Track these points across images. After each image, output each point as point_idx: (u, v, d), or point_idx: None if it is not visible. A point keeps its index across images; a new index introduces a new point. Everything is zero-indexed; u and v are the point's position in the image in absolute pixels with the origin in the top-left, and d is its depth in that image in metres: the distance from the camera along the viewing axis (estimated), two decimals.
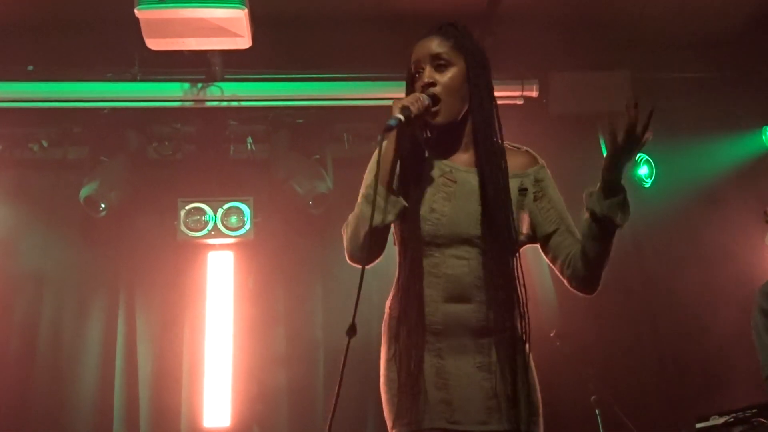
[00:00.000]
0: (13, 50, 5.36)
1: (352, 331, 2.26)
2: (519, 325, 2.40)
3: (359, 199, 2.39)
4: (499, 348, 2.38)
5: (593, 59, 5.65)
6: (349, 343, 2.25)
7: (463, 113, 2.48)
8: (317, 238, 5.97)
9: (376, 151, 2.34)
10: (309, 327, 5.95)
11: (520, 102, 5.48)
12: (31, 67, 5.42)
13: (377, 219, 2.29)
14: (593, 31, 5.53)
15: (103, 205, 5.81)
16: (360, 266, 2.33)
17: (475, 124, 2.47)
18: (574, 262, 2.40)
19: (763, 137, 6.00)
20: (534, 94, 5.52)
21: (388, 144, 2.35)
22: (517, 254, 2.43)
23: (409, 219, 2.40)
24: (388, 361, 2.46)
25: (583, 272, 2.38)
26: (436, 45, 2.46)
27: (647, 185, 6.16)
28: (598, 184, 2.29)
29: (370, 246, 2.32)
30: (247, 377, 5.71)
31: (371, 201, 2.29)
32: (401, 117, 2.25)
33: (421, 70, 2.45)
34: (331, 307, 5.97)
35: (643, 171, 6.15)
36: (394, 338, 2.44)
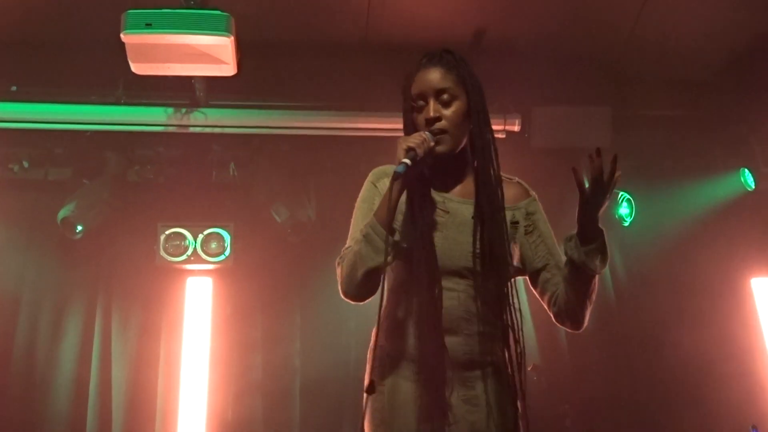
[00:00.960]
0: None
1: (371, 389, 2.29)
2: (511, 354, 2.40)
3: (358, 236, 2.36)
4: (486, 381, 2.40)
5: (575, 94, 5.69)
6: (366, 400, 2.29)
7: (462, 145, 2.49)
8: (297, 266, 5.96)
9: (366, 187, 2.44)
10: (286, 355, 5.93)
11: (502, 135, 5.52)
12: (14, 88, 5.40)
13: (377, 261, 2.29)
14: (575, 66, 5.57)
15: (79, 227, 5.78)
16: (353, 302, 2.40)
17: (476, 155, 2.49)
18: (560, 301, 2.43)
19: (742, 179, 6.05)
20: (516, 128, 5.56)
21: (396, 185, 2.29)
22: (511, 282, 2.44)
23: (405, 252, 2.39)
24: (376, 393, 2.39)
25: (566, 311, 2.42)
26: (440, 79, 2.47)
27: (626, 224, 6.22)
28: (576, 230, 2.30)
29: (367, 285, 2.35)
30: (222, 404, 5.67)
31: (372, 242, 2.30)
32: (408, 162, 2.24)
33: (423, 103, 2.45)
34: (309, 336, 5.97)
35: (623, 210, 6.20)
36: (388, 372, 2.42)
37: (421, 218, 2.38)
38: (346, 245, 2.47)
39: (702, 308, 5.79)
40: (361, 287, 2.36)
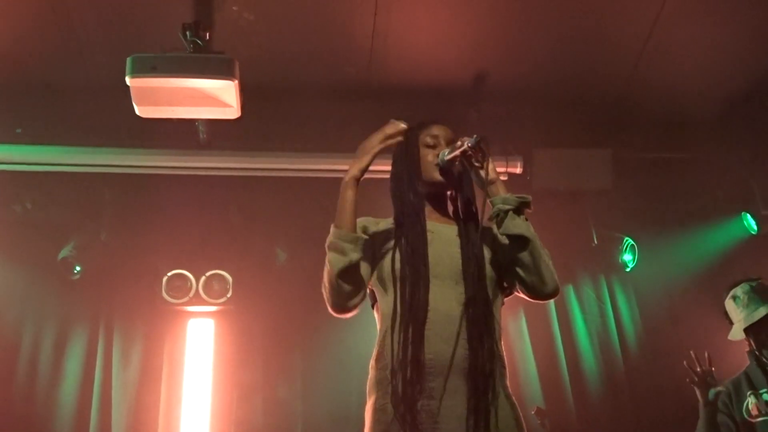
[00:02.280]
0: (0, 113, 5.40)
1: None
2: (493, 365, 2.56)
3: (326, 251, 2.59)
4: (479, 390, 2.50)
5: (576, 137, 5.73)
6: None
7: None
8: (298, 308, 5.94)
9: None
10: (288, 397, 5.90)
11: (504, 177, 5.55)
12: (18, 130, 5.44)
13: (346, 259, 2.53)
14: (576, 109, 5.61)
15: (77, 268, 5.81)
16: (342, 315, 2.62)
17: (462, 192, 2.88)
18: (525, 276, 2.69)
19: (745, 223, 6.07)
20: (518, 170, 5.58)
21: (347, 189, 2.65)
22: (498, 298, 2.74)
23: (400, 261, 2.65)
24: (377, 411, 2.52)
25: (533, 279, 2.68)
26: (451, 132, 2.91)
27: (629, 269, 6.25)
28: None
29: (345, 289, 2.57)
30: None
31: (335, 247, 2.55)
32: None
33: (437, 144, 2.86)
34: (311, 378, 5.94)
35: (627, 256, 6.24)
36: (392, 379, 2.51)
37: (413, 233, 2.69)
38: None
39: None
40: (341, 291, 2.57)
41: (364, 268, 2.65)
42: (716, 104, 5.78)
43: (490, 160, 2.70)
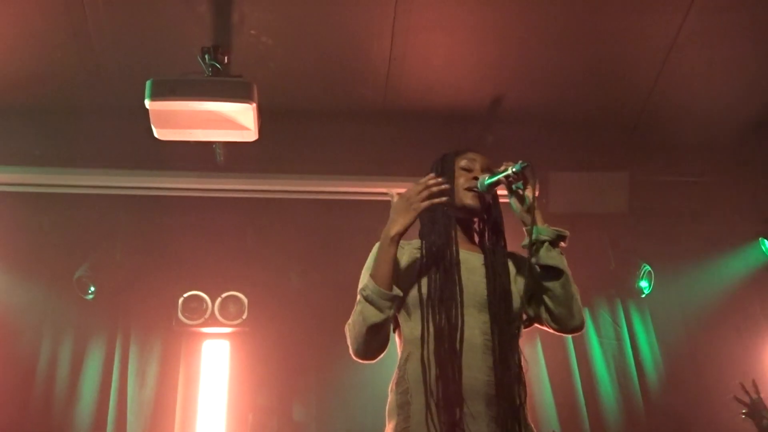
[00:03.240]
0: (20, 134, 5.44)
1: None
2: (520, 392, 2.61)
3: (358, 298, 2.59)
4: (506, 417, 2.53)
5: (592, 160, 5.72)
6: None
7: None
8: (313, 330, 5.94)
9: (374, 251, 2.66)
10: (303, 419, 5.89)
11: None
12: (37, 152, 5.48)
13: (379, 317, 2.54)
14: (593, 132, 5.62)
15: (92, 288, 5.84)
16: (363, 361, 2.63)
17: (489, 219, 2.90)
18: (552, 309, 2.73)
19: (763, 248, 6.05)
20: (530, 192, 5.56)
21: (391, 246, 2.59)
22: (520, 329, 2.74)
23: (428, 286, 2.66)
24: None
25: (559, 314, 2.72)
26: (486, 161, 2.91)
27: (644, 296, 6.24)
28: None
29: (373, 343, 2.60)
30: None
31: (371, 301, 2.54)
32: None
33: (473, 169, 2.87)
34: (325, 399, 5.93)
35: (643, 283, 6.22)
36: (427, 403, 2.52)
37: (446, 258, 2.69)
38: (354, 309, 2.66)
39: (724, 380, 5.74)
40: (369, 345, 2.59)
41: None
42: (732, 128, 5.77)
43: (534, 186, 2.74)
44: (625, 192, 5.68)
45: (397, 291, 2.57)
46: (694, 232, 6.12)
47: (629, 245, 6.18)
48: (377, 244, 2.73)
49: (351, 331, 2.62)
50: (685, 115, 5.58)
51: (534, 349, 5.95)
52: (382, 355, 2.65)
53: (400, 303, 2.67)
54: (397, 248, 2.59)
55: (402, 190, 2.70)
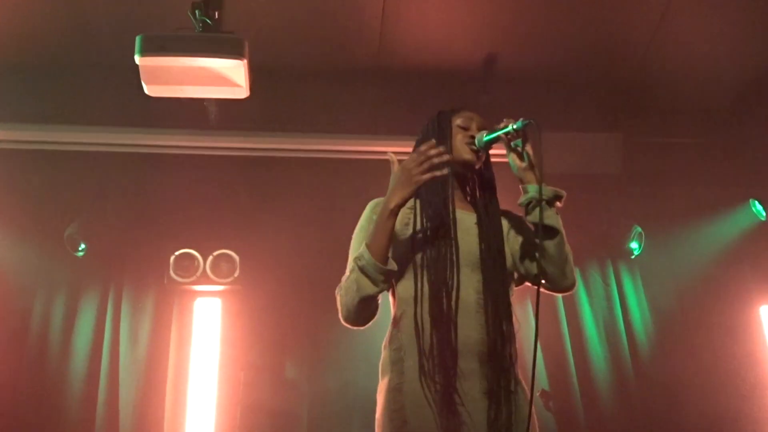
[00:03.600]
0: (10, 92, 5.39)
1: None
2: (512, 351, 2.63)
3: (353, 266, 2.58)
4: (498, 375, 2.55)
5: (586, 121, 5.70)
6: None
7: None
8: (305, 288, 5.94)
9: (365, 216, 2.77)
10: (295, 378, 5.92)
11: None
12: (28, 110, 5.44)
13: (372, 289, 2.57)
14: (587, 93, 5.60)
15: (82, 245, 5.83)
16: (353, 327, 2.65)
17: (484, 177, 2.93)
18: (546, 269, 2.71)
19: (754, 209, 6.06)
20: (530, 149, 5.55)
21: (390, 218, 2.57)
22: (511, 287, 2.79)
23: (423, 245, 2.68)
24: (390, 391, 2.55)
25: (553, 273, 2.72)
26: (481, 119, 2.92)
27: (633, 257, 6.28)
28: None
29: (364, 312, 2.62)
30: (230, 426, 5.65)
31: (366, 272, 2.55)
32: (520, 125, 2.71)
33: (470, 125, 2.87)
34: (318, 358, 5.94)
35: (633, 245, 6.24)
36: (422, 357, 2.54)
37: (441, 217, 2.71)
38: (346, 274, 2.66)
39: (713, 341, 5.80)
40: (360, 314, 2.61)
41: None
42: (726, 91, 5.79)
43: (534, 144, 2.73)
44: (618, 153, 5.68)
45: (392, 265, 2.58)
46: (685, 194, 6.12)
47: (621, 207, 6.18)
48: (369, 205, 2.76)
49: (342, 297, 2.63)
50: (680, 77, 5.58)
51: (524, 308, 5.98)
52: (370, 324, 2.68)
53: (395, 274, 2.66)
54: (395, 219, 2.58)
55: (395, 150, 2.68)
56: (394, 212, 2.56)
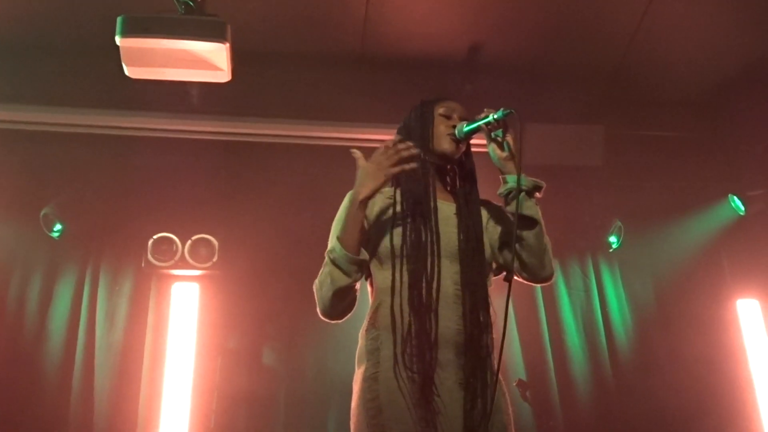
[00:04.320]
0: None
1: None
2: (488, 342, 2.63)
3: (326, 259, 2.62)
4: (475, 366, 2.55)
5: (568, 112, 5.71)
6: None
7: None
8: (284, 274, 5.93)
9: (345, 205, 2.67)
10: (272, 364, 5.91)
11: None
12: (7, 90, 5.38)
13: (345, 281, 2.58)
14: (570, 84, 5.60)
15: (59, 226, 5.79)
16: (331, 321, 2.65)
17: (464, 168, 2.93)
18: (524, 258, 2.73)
19: (732, 204, 6.10)
20: (510, 140, 5.55)
21: (359, 209, 2.60)
22: (489, 278, 2.78)
23: (404, 236, 2.67)
24: (366, 380, 2.55)
25: (531, 263, 2.73)
26: (464, 111, 2.92)
27: (611, 250, 6.30)
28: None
29: (340, 305, 2.63)
30: (206, 412, 5.63)
31: (338, 264, 2.57)
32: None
33: (452, 116, 2.87)
34: (295, 345, 5.93)
35: (612, 238, 6.27)
36: (395, 350, 2.54)
37: (422, 206, 2.71)
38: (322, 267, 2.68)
39: (691, 333, 5.84)
40: (335, 306, 2.62)
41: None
42: (708, 84, 5.83)
43: (514, 134, 2.74)
44: (600, 145, 5.69)
45: (364, 255, 2.61)
46: (665, 188, 6.15)
47: (602, 199, 6.20)
48: (348, 195, 2.74)
49: (318, 291, 2.65)
50: (662, 70, 5.60)
51: (503, 299, 6.00)
52: (349, 315, 2.69)
53: (369, 263, 2.70)
54: (365, 211, 2.62)
55: (377, 137, 2.68)
56: (363, 203, 2.59)
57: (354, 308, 2.69)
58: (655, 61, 5.51)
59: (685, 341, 5.85)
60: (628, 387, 5.97)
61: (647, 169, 6.06)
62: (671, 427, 5.65)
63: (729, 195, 6.12)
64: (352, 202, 2.61)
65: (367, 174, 2.61)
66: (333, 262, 2.58)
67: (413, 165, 2.62)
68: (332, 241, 2.62)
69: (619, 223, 6.21)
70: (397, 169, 2.59)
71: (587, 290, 6.30)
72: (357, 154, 2.69)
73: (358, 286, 2.67)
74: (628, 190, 6.10)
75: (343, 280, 2.57)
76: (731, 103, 5.84)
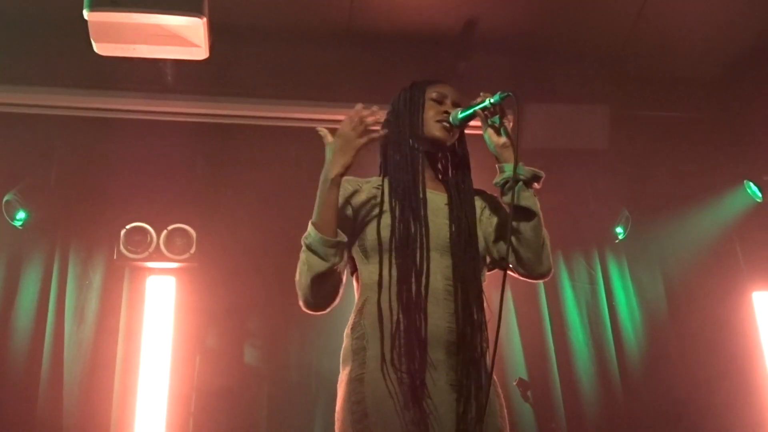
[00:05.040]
0: None
1: None
2: (482, 340, 2.60)
3: (302, 246, 2.60)
4: (468, 366, 2.52)
5: (571, 92, 5.68)
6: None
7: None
8: (266, 267, 5.90)
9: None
10: (253, 362, 5.90)
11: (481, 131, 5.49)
12: None
13: (323, 265, 2.55)
14: (573, 62, 5.58)
15: (22, 213, 5.71)
16: (314, 312, 2.62)
17: (456, 157, 2.91)
18: (521, 254, 2.70)
19: (748, 191, 6.07)
20: (509, 125, 5.52)
21: (332, 188, 2.59)
22: (483, 272, 2.76)
23: (392, 228, 2.65)
24: (352, 381, 2.52)
25: (527, 258, 2.70)
26: (457, 95, 2.89)
27: (617, 241, 6.28)
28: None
29: (320, 292, 2.59)
30: (184, 413, 5.61)
31: (314, 249, 2.55)
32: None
33: (444, 101, 2.85)
34: (277, 341, 5.94)
35: (618, 229, 6.24)
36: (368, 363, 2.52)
37: (410, 197, 2.68)
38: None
39: (703, 328, 5.85)
40: (316, 295, 2.59)
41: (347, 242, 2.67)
42: (719, 63, 5.83)
43: (511, 120, 2.71)
44: (605, 127, 5.66)
45: (341, 236, 2.58)
46: (675, 173, 6.13)
47: (607, 186, 6.18)
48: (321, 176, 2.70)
49: (298, 282, 2.63)
50: (670, 48, 5.59)
51: (497, 293, 5.98)
52: (333, 305, 2.66)
53: (352, 247, 2.70)
54: (338, 190, 2.60)
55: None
56: (336, 182, 2.58)
57: (338, 297, 2.66)
58: (663, 37, 5.50)
59: (698, 337, 5.85)
60: (636, 385, 5.97)
61: (655, 152, 6.03)
62: (683, 427, 5.65)
63: (744, 180, 6.08)
64: (322, 182, 2.59)
65: (335, 150, 2.61)
66: (309, 247, 2.56)
67: (382, 132, 2.65)
68: (308, 227, 2.60)
69: (627, 213, 6.19)
70: (365, 140, 2.60)
71: (592, 283, 6.29)
72: (323, 131, 2.68)
73: (340, 269, 2.62)
74: (635, 176, 6.08)
75: (320, 266, 2.54)
76: (744, 80, 5.84)
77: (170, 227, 5.81)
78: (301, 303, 2.64)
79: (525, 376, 5.63)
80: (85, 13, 4.02)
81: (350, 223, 2.70)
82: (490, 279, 2.79)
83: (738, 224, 6.17)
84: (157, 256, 5.78)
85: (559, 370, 5.97)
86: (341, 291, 2.67)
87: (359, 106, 2.66)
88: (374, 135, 2.62)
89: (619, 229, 6.25)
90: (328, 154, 2.62)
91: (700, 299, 5.98)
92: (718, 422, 5.54)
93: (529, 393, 5.29)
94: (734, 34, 5.51)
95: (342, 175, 2.59)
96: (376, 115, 2.62)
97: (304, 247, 2.58)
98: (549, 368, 5.97)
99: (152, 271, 5.90)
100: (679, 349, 5.95)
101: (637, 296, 6.28)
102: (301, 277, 2.59)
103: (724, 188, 6.19)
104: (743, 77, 5.83)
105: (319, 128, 2.69)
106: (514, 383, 5.32)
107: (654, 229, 6.22)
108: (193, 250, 5.81)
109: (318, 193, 2.61)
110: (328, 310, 2.66)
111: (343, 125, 2.63)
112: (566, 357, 6.04)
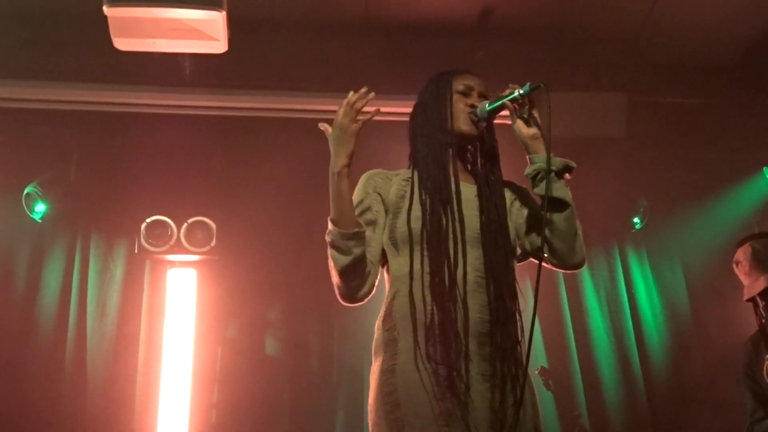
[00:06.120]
0: None
1: None
2: (516, 331, 2.62)
3: (328, 246, 2.64)
4: (502, 357, 2.54)
5: (589, 79, 5.68)
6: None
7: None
8: (287, 259, 5.95)
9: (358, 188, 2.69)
10: (275, 353, 5.94)
11: (510, 121, 5.50)
12: None
13: (347, 259, 2.58)
14: (589, 50, 5.56)
15: (42, 206, 5.80)
16: (351, 304, 2.66)
17: (484, 148, 2.91)
18: (553, 244, 2.70)
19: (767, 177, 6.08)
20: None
21: (341, 180, 2.60)
22: (513, 264, 2.74)
23: (423, 220, 2.66)
24: (384, 372, 2.55)
25: (561, 249, 2.70)
26: (483, 85, 2.90)
27: (634, 231, 6.30)
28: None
29: (350, 284, 2.63)
30: (206, 405, 5.68)
31: (336, 246, 2.59)
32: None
33: (471, 93, 2.85)
34: (298, 333, 5.97)
35: (636, 219, 6.27)
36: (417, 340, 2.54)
37: (442, 189, 2.70)
38: None
39: (725, 318, 5.83)
40: (347, 286, 2.63)
41: (376, 235, 2.72)
42: (738, 48, 5.75)
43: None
44: (623, 114, 5.65)
45: (359, 226, 2.60)
46: (693, 160, 6.12)
47: (625, 174, 6.17)
48: (363, 177, 2.80)
49: (332, 280, 2.66)
50: (687, 33, 5.54)
51: (522, 282, 6.00)
52: (371, 294, 2.69)
53: (385, 248, 2.71)
54: (348, 181, 2.61)
55: (384, 110, 2.68)
56: (343, 173, 2.60)
57: (374, 286, 2.69)
58: (679, 22, 5.45)
59: (719, 328, 5.80)
60: (656, 373, 5.97)
61: (673, 140, 6.02)
62: (703, 416, 5.65)
63: (763, 167, 6.08)
64: (330, 176, 2.62)
65: (336, 141, 2.64)
66: (331, 245, 2.60)
67: (376, 111, 2.68)
68: (328, 224, 2.63)
69: (645, 202, 6.19)
70: (359, 124, 2.63)
71: (611, 271, 6.29)
72: (323, 126, 2.72)
73: (369, 258, 2.66)
74: (655, 164, 6.07)
75: (343, 260, 2.58)
76: (762, 65, 5.78)
77: (190, 220, 5.85)
78: (339, 298, 2.69)
79: (546, 365, 5.67)
80: (105, 9, 4.07)
81: (383, 216, 2.74)
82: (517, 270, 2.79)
83: (757, 211, 6.14)
84: (178, 248, 5.82)
85: (579, 359, 5.99)
86: (375, 281, 2.70)
87: (351, 93, 2.69)
88: (368, 117, 2.65)
89: (636, 219, 6.26)
90: (331, 147, 2.65)
91: (722, 289, 5.96)
92: (740, 409, 5.55)
93: (550, 381, 5.34)
94: (751, 18, 5.45)
95: (347, 165, 2.61)
96: (365, 98, 2.66)
97: (328, 245, 2.62)
98: (569, 357, 5.98)
99: (173, 264, 5.96)
100: (700, 337, 5.94)
101: (657, 285, 6.27)
102: (332, 273, 2.63)
103: (742, 175, 6.17)
104: (761, 62, 5.78)
105: (320, 124, 2.73)
106: (536, 372, 5.36)
107: (672, 217, 6.21)
108: (213, 243, 5.85)
109: (330, 188, 2.63)
110: (367, 300, 2.69)
111: (337, 115, 2.66)
112: (586, 346, 6.05)
